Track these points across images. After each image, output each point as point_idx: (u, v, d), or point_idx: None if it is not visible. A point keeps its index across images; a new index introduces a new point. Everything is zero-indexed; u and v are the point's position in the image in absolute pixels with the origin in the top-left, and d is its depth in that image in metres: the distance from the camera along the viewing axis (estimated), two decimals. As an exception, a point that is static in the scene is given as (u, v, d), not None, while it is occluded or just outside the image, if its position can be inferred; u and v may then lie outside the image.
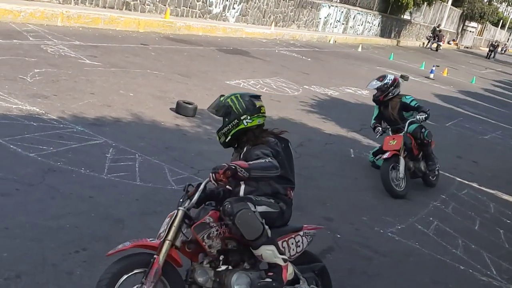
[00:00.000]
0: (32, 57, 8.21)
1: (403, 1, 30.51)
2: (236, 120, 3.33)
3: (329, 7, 25.28)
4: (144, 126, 6.62)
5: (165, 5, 15.37)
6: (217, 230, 3.11)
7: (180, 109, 7.46)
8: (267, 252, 3.13)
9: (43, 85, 7.04)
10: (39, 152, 5.09)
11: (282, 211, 3.33)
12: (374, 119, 7.15)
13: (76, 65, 8.48)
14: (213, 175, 2.97)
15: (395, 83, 6.85)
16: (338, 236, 5.06)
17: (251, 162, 3.08)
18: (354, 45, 24.60)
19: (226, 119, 3.37)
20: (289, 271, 3.24)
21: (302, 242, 3.42)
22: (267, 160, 3.10)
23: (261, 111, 3.42)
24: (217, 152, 5.48)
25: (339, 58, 19.00)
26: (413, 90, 15.05)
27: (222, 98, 3.44)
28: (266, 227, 3.13)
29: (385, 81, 6.83)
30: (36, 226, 3.88)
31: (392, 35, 33.36)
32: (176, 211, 3.06)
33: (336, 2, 25.78)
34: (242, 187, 3.30)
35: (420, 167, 6.89)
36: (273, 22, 20.61)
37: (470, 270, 5.09)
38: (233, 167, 2.94)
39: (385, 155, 6.48)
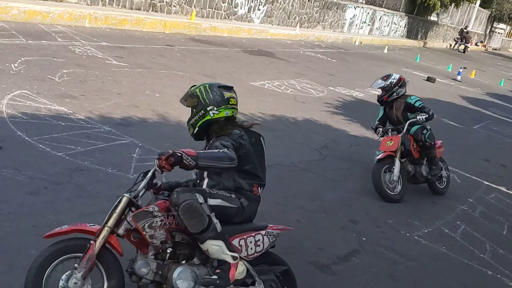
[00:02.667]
0: (60, 58, 8.33)
1: (430, 2, 30.15)
2: (202, 111, 3.25)
3: (355, 8, 25.14)
4: (169, 127, 6.66)
5: (190, 7, 15.47)
6: (161, 221, 2.96)
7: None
8: (214, 248, 2.97)
9: (71, 85, 7.14)
10: (67, 151, 5.16)
11: (243, 207, 3.16)
12: (377, 120, 6.88)
13: (103, 66, 8.58)
14: (157, 161, 2.84)
15: (399, 83, 6.54)
16: (364, 239, 5.02)
17: (201, 151, 2.96)
18: (380, 46, 24.41)
19: (194, 110, 3.29)
20: (239, 270, 3.05)
21: (263, 242, 3.21)
22: (221, 151, 2.97)
23: (230, 103, 3.28)
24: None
25: (364, 60, 18.87)
26: (440, 92, 14.92)
27: (191, 88, 3.36)
28: (215, 221, 2.97)
29: (389, 80, 6.54)
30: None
31: (419, 36, 33.03)
32: (120, 197, 2.97)
33: (361, 3, 25.62)
34: (205, 180, 3.20)
35: (422, 171, 6.46)
36: (298, 23, 20.58)
37: (498, 276, 5.00)
38: (179, 154, 2.81)
39: (378, 156, 6.22)
